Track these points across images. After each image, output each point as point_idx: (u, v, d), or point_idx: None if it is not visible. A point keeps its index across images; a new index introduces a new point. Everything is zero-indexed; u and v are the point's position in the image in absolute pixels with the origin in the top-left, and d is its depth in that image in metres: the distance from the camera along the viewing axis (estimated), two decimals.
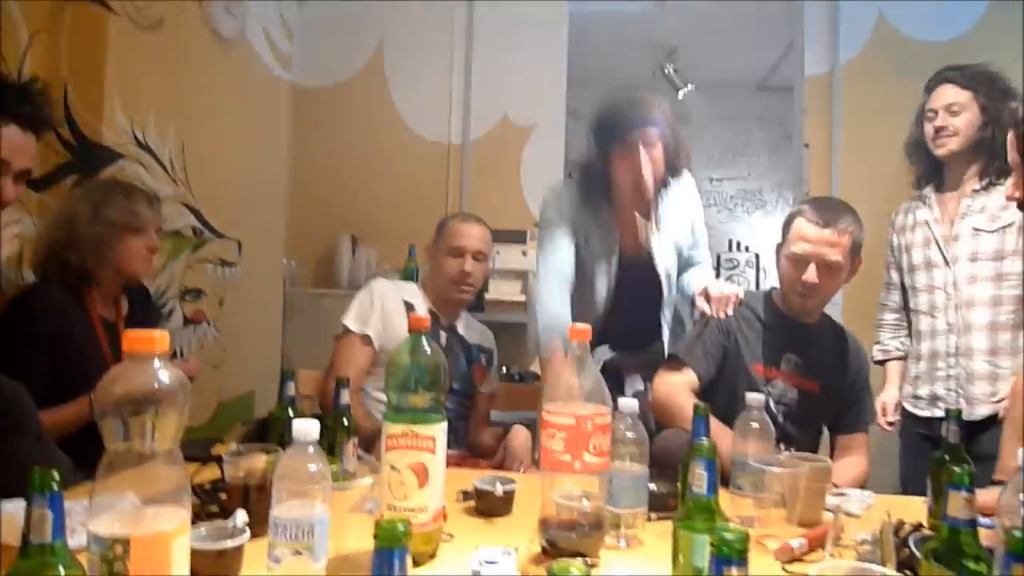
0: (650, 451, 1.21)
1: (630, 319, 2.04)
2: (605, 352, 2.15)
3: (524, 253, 2.49)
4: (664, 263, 1.99)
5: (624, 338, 2.10)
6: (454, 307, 2.10)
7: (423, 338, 1.07)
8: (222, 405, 2.73)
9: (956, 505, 0.79)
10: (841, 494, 1.41)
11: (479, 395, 2.13)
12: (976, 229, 2.01)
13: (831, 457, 1.80)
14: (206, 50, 2.60)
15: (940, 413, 2.03)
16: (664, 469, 1.34)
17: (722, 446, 1.40)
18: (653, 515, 1.22)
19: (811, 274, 1.67)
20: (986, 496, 1.29)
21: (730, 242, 4.51)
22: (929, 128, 2.08)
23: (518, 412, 2.23)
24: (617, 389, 1.86)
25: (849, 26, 3.20)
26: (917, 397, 2.12)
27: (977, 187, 2.05)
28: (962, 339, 2.01)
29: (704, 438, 0.92)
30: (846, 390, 1.80)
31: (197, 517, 1.21)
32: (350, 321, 2.00)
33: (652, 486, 1.24)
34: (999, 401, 1.92)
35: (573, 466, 1.02)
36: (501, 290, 3.01)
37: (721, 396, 1.73)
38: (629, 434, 1.13)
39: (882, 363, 2.23)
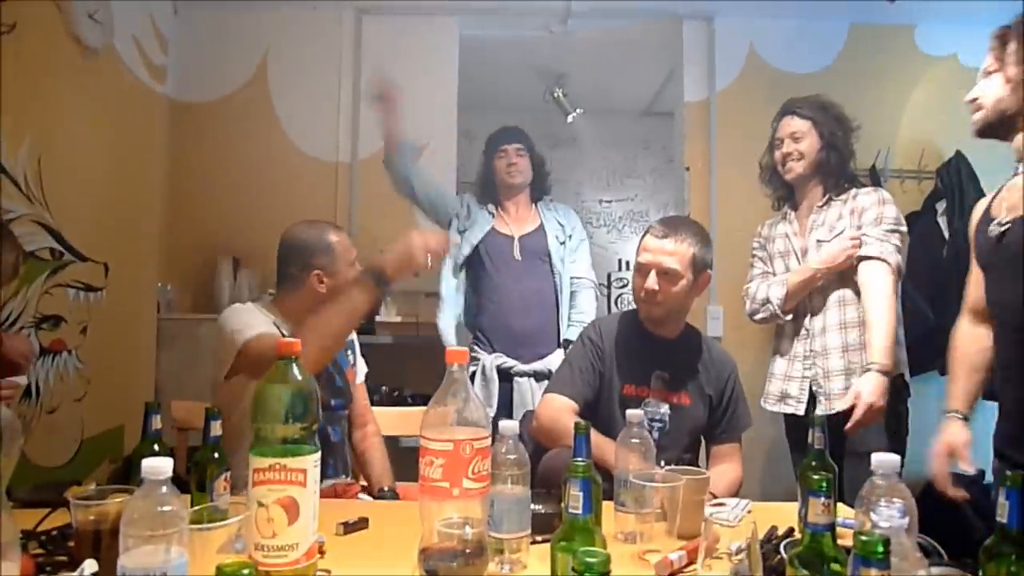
0: (537, 471, 1.20)
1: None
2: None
3: (416, 275, 2.44)
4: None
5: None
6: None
7: (293, 364, 1.01)
8: (87, 441, 2.52)
9: (815, 511, 0.82)
10: (719, 504, 1.45)
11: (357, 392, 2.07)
12: (819, 241, 2.23)
13: (707, 464, 1.89)
14: (66, 58, 2.41)
15: (789, 409, 2.26)
16: (551, 488, 1.34)
17: (609, 459, 1.42)
18: (538, 537, 1.20)
19: (651, 281, 1.78)
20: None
21: (619, 261, 4.65)
22: (778, 155, 2.32)
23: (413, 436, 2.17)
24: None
25: (724, 56, 3.39)
26: (769, 394, 2.34)
27: (820, 203, 2.28)
28: (816, 341, 2.21)
29: (580, 459, 0.92)
30: (717, 400, 1.87)
31: (42, 569, 1.10)
32: (253, 329, 1.70)
33: (537, 507, 1.23)
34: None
35: (451, 492, 0.99)
36: (393, 312, 2.95)
37: (601, 419, 1.77)
38: (510, 456, 1.12)
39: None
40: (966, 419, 1.65)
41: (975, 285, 1.68)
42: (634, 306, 1.93)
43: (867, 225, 2.16)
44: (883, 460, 0.89)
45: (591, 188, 4.79)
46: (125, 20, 2.73)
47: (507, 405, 2.50)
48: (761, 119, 2.45)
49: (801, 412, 2.23)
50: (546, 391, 1.92)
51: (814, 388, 2.20)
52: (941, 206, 3.22)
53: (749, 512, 1.44)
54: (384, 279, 1.63)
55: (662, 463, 1.78)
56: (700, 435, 1.90)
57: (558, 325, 2.61)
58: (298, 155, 3.30)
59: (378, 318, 2.98)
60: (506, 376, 2.53)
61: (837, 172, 2.29)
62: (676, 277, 1.77)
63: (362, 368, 2.11)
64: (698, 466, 1.90)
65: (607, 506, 1.32)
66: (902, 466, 2.08)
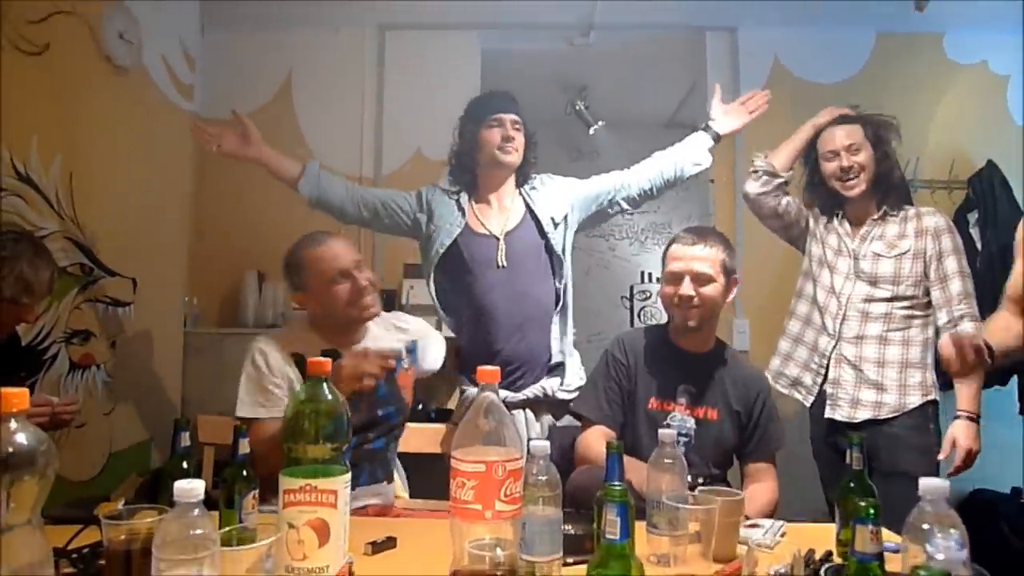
0: (565, 490, 1.18)
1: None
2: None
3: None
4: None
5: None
6: (354, 329, 1.83)
7: (323, 384, 1.01)
8: (114, 456, 2.54)
9: (863, 539, 0.79)
10: (754, 525, 1.42)
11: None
12: (877, 254, 2.15)
13: (741, 484, 1.86)
14: (97, 77, 2.46)
15: (798, 396, 2.26)
16: (580, 508, 1.32)
17: (636, 480, 1.39)
18: (569, 559, 1.18)
19: (686, 287, 1.79)
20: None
21: (642, 274, 4.62)
22: (832, 167, 2.20)
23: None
24: None
25: (748, 67, 3.36)
26: (781, 374, 2.30)
27: (875, 216, 2.20)
28: (848, 347, 2.15)
29: (616, 482, 0.89)
30: (747, 418, 1.84)
31: None
32: (246, 410, 1.69)
33: (567, 528, 1.21)
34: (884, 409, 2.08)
35: (484, 515, 0.98)
36: None
37: (627, 435, 1.78)
38: (542, 477, 1.10)
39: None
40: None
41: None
42: (659, 320, 1.91)
43: (952, 280, 2.08)
44: (931, 486, 0.85)
45: None
46: (154, 40, 2.78)
47: None
48: (787, 130, 2.41)
49: (808, 404, 2.24)
50: (575, 410, 1.92)
51: (831, 389, 2.16)
52: (973, 216, 3.17)
53: (784, 535, 1.41)
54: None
55: (691, 479, 1.77)
56: (730, 451, 1.87)
57: (555, 338, 2.11)
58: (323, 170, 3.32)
59: None
60: None
61: (896, 185, 2.24)
62: (709, 281, 1.80)
63: (433, 357, 2.01)
64: (728, 482, 1.88)
65: (639, 526, 1.30)
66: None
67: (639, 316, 4.43)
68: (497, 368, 1.03)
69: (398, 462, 1.97)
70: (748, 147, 3.28)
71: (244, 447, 1.32)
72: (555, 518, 1.11)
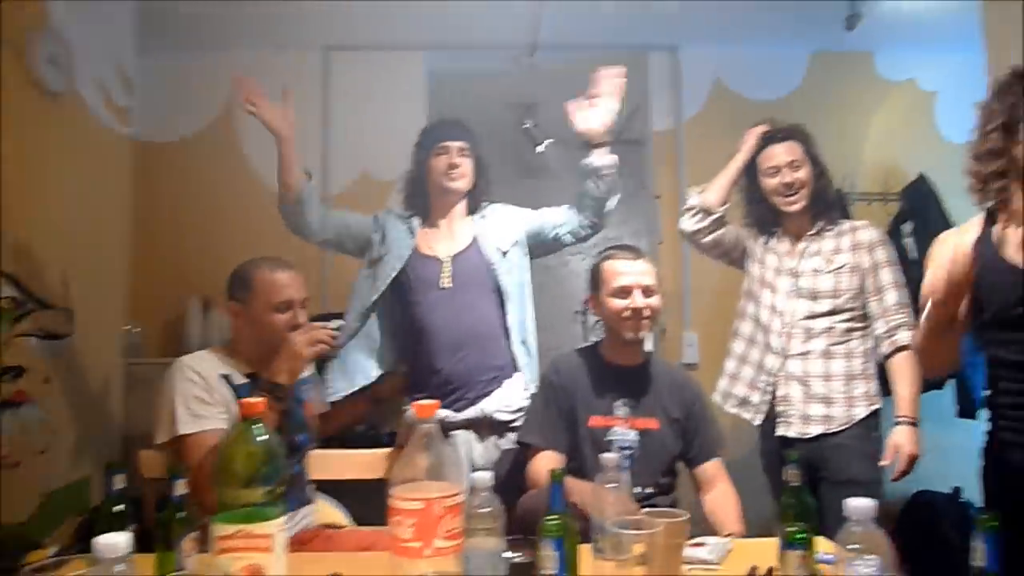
0: (516, 513, 1.18)
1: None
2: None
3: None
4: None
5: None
6: (272, 360, 1.79)
7: (256, 426, 0.98)
8: (51, 495, 2.43)
9: (792, 564, 0.81)
10: (700, 544, 1.44)
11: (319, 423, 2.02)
12: (815, 270, 2.20)
13: (697, 493, 1.91)
14: (27, 104, 2.37)
15: (747, 416, 2.27)
16: (529, 533, 1.32)
17: (583, 502, 1.40)
18: None
19: (639, 299, 1.88)
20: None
21: None
22: (774, 183, 2.24)
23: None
24: None
25: (690, 86, 3.45)
26: (729, 395, 2.32)
27: (812, 232, 2.25)
28: (795, 364, 2.18)
29: (554, 516, 0.89)
30: (686, 422, 1.92)
31: None
32: (187, 426, 1.66)
33: (514, 555, 1.20)
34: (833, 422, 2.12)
35: (423, 552, 0.97)
36: None
37: (572, 456, 1.83)
38: (483, 509, 1.09)
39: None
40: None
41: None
42: (590, 341, 1.98)
43: (887, 291, 2.14)
44: (857, 506, 0.88)
45: None
46: (88, 63, 2.70)
47: None
48: (728, 147, 2.46)
49: (759, 423, 2.25)
50: (521, 439, 1.94)
51: (781, 407, 2.19)
52: (907, 227, 3.28)
53: (730, 551, 1.43)
54: (281, 391, 1.69)
55: (640, 490, 1.79)
56: (675, 459, 1.92)
57: (501, 357, 2.13)
58: (267, 193, 3.25)
59: None
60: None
61: (832, 202, 2.30)
62: (653, 293, 1.91)
63: (322, 401, 2.06)
64: (674, 491, 1.92)
65: (587, 549, 1.30)
66: (881, 489, 2.11)
67: (593, 330, 4.47)
68: (435, 402, 1.02)
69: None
70: (691, 161, 3.36)
71: (179, 488, 1.28)
72: (497, 549, 1.10)
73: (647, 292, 1.90)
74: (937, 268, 1.45)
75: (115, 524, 1.13)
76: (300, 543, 1.72)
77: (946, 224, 3.21)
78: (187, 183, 3.24)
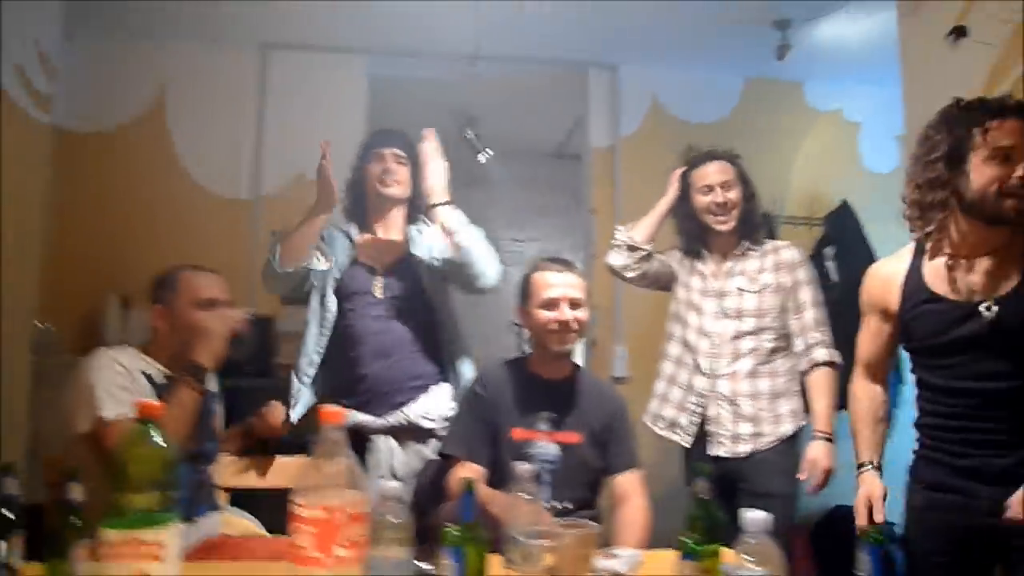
0: (433, 524, 1.17)
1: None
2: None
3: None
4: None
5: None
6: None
7: (153, 428, 0.95)
8: None
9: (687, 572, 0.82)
10: (612, 555, 1.45)
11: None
12: (740, 289, 2.25)
13: (614, 507, 1.89)
14: None
15: (676, 438, 2.28)
16: None
17: (501, 514, 1.40)
18: None
19: (568, 312, 1.87)
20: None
21: None
22: (707, 202, 2.28)
23: None
24: None
25: (628, 104, 3.52)
26: (659, 416, 2.33)
27: (737, 252, 2.30)
28: (723, 384, 2.21)
29: (453, 527, 0.88)
30: (606, 435, 1.91)
31: None
32: (111, 408, 1.60)
33: (425, 566, 1.19)
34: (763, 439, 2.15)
35: (322, 561, 0.94)
36: (293, 353, 2.84)
37: (494, 468, 1.81)
38: (391, 519, 1.08)
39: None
40: (879, 468, 1.69)
41: (870, 343, 1.73)
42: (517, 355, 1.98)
43: (807, 310, 2.20)
44: (751, 518, 0.90)
45: (503, 227, 4.83)
46: (6, 46, 2.57)
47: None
48: (663, 166, 2.51)
49: (688, 445, 2.25)
50: (443, 451, 1.92)
51: (711, 428, 2.22)
52: (829, 251, 3.42)
53: (642, 563, 1.45)
54: (202, 372, 1.68)
55: (559, 504, 1.79)
56: (596, 472, 1.91)
57: (428, 366, 2.13)
58: (198, 191, 3.19)
59: (276, 360, 2.88)
60: (358, 437, 2.03)
61: (758, 224, 2.36)
62: (581, 306, 1.91)
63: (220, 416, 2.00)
64: (595, 506, 1.92)
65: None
66: (797, 502, 2.17)
67: (529, 342, 4.49)
68: (341, 409, 1.01)
69: None
70: (627, 177, 3.43)
71: (73, 491, 1.22)
72: (404, 560, 1.09)
73: (574, 305, 1.89)
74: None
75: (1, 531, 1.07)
76: (205, 551, 1.67)
77: (866, 250, 3.36)
78: (112, 176, 3.13)
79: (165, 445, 0.95)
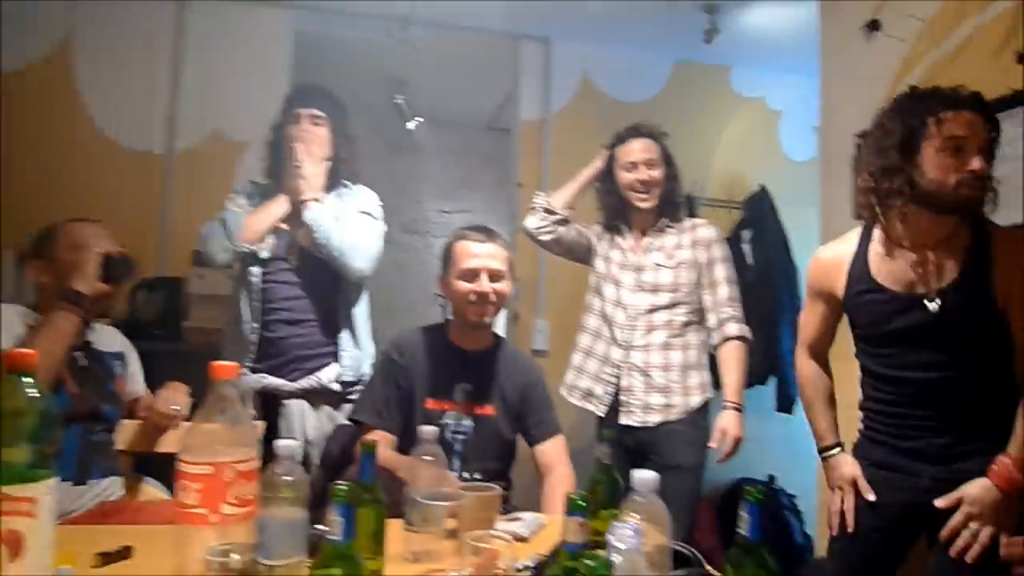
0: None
1: None
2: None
3: (232, 277, 2.28)
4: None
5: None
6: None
7: (24, 379, 0.89)
8: None
9: (571, 529, 0.83)
10: (515, 519, 1.47)
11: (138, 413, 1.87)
12: (657, 264, 2.30)
13: (540, 478, 1.89)
14: None
15: (591, 407, 2.33)
16: None
17: (403, 474, 1.39)
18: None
19: (486, 283, 1.84)
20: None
21: None
22: (630, 179, 2.32)
23: None
24: None
25: (559, 79, 3.52)
26: (574, 387, 2.38)
27: (657, 228, 2.35)
28: (637, 355, 2.27)
29: (343, 484, 0.87)
30: (523, 406, 1.90)
31: None
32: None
33: (324, 528, 1.17)
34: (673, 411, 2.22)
35: (208, 519, 0.92)
36: (204, 317, 2.75)
37: (406, 436, 1.78)
38: (286, 478, 1.05)
39: None
40: (843, 447, 1.70)
41: (814, 325, 1.76)
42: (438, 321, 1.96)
43: (720, 286, 2.26)
44: (640, 478, 0.92)
45: (431, 197, 4.78)
46: None
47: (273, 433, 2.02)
48: (591, 143, 2.52)
49: (602, 414, 2.31)
50: (353, 417, 1.90)
51: (624, 397, 2.27)
52: (747, 234, 3.53)
53: (544, 526, 1.47)
54: (77, 295, 1.62)
55: (468, 475, 1.80)
56: (510, 444, 1.92)
57: (341, 333, 2.13)
58: (106, 143, 3.01)
59: (185, 323, 2.77)
60: (271, 400, 2.05)
61: (678, 202, 2.40)
62: (501, 278, 1.88)
63: (135, 384, 1.92)
64: (507, 478, 1.94)
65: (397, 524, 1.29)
66: (704, 472, 2.24)
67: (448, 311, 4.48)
68: (233, 364, 0.97)
69: None
70: (556, 152, 3.44)
71: None
72: (298, 520, 1.07)
73: (494, 276, 1.86)
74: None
75: None
76: (103, 515, 1.62)
77: (781, 234, 3.49)
78: (9, 122, 2.92)
79: (38, 396, 0.90)
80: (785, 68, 3.55)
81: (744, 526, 0.92)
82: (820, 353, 1.78)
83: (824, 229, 2.42)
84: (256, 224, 2.08)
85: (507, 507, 1.64)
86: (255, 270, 2.09)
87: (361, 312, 2.19)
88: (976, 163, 1.42)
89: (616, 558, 0.80)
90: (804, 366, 1.79)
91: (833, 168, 2.40)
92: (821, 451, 1.72)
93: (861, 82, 2.29)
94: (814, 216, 2.56)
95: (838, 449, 1.69)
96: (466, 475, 1.79)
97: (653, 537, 0.88)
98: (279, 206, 2.10)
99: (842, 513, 1.62)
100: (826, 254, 1.72)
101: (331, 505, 0.84)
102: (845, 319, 1.70)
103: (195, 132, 3.08)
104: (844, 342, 1.71)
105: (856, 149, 2.24)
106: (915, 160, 1.47)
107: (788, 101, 3.76)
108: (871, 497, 1.59)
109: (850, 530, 1.61)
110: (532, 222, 2.45)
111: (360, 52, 3.63)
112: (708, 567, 1.07)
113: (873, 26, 2.24)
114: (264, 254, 2.09)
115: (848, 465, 1.65)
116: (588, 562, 0.66)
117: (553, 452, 1.88)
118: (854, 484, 1.63)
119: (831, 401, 1.75)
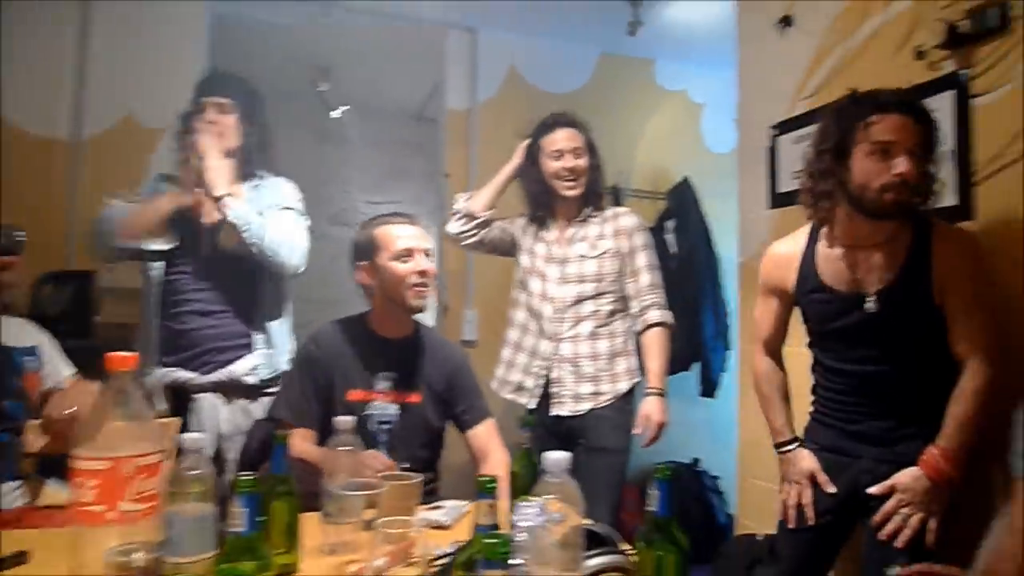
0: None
1: None
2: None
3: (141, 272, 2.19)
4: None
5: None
6: None
7: None
8: None
9: (482, 512, 0.84)
10: (437, 507, 1.47)
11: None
12: (581, 256, 2.33)
13: (476, 464, 1.89)
14: None
15: (522, 401, 2.36)
16: None
17: (322, 466, 1.37)
18: None
19: (422, 261, 1.85)
20: None
21: None
22: (556, 167, 2.34)
23: None
24: None
25: (486, 68, 3.51)
26: (505, 382, 2.40)
27: (579, 218, 2.37)
28: (566, 347, 2.29)
29: (249, 474, 0.85)
30: (449, 393, 1.90)
31: None
32: None
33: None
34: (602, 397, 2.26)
35: (105, 517, 0.88)
36: (116, 311, 2.63)
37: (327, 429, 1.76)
38: (192, 472, 1.02)
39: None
40: (803, 443, 1.72)
41: (769, 322, 1.79)
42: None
43: (642, 273, 2.31)
44: (551, 458, 0.93)
45: (359, 188, 4.69)
46: None
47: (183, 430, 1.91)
48: (519, 132, 2.52)
49: (533, 406, 2.34)
50: (271, 414, 1.87)
51: (555, 388, 2.30)
52: (670, 224, 3.61)
53: (466, 514, 1.47)
54: None
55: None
56: (437, 432, 1.92)
57: (254, 326, 2.09)
58: (9, 131, 2.83)
59: (97, 318, 2.64)
60: (181, 395, 2.01)
61: (601, 192, 2.44)
62: (432, 257, 1.89)
63: (56, 377, 1.81)
64: (435, 467, 1.93)
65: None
66: (630, 456, 2.29)
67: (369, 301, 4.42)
68: (132, 355, 0.93)
69: None
70: (483, 142, 3.43)
71: None
72: (206, 515, 1.04)
73: (427, 256, 1.87)
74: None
75: None
76: (4, 522, 1.52)
77: (703, 225, 3.59)
78: None
79: None
80: (707, 62, 3.64)
81: (654, 503, 0.95)
82: (775, 350, 1.81)
83: (743, 219, 2.50)
84: (141, 221, 2.01)
85: (434, 497, 1.64)
86: (156, 264, 2.05)
87: (280, 304, 2.15)
88: (901, 166, 1.43)
89: (520, 536, 0.81)
90: (760, 363, 1.81)
91: (749, 159, 2.47)
92: (778, 446, 1.74)
93: (775, 76, 2.37)
94: (734, 206, 2.64)
95: (795, 444, 1.71)
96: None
97: (569, 517, 0.89)
98: (169, 201, 2.03)
99: (799, 506, 1.66)
100: (778, 250, 1.75)
101: (233, 496, 0.82)
102: (797, 312, 1.75)
103: (105, 117, 2.93)
104: (796, 332, 1.77)
105: (771, 140, 2.32)
106: (847, 164, 1.50)
107: (710, 94, 3.86)
108: (831, 489, 1.62)
109: (811, 523, 1.64)
110: (454, 228, 2.48)
111: (280, 38, 3.53)
112: (624, 544, 1.09)
113: (786, 21, 2.31)
114: (158, 247, 2.04)
115: (806, 460, 1.67)
116: (487, 540, 0.66)
117: (486, 436, 1.89)
118: (812, 478, 1.65)
119: (786, 396, 1.78)
